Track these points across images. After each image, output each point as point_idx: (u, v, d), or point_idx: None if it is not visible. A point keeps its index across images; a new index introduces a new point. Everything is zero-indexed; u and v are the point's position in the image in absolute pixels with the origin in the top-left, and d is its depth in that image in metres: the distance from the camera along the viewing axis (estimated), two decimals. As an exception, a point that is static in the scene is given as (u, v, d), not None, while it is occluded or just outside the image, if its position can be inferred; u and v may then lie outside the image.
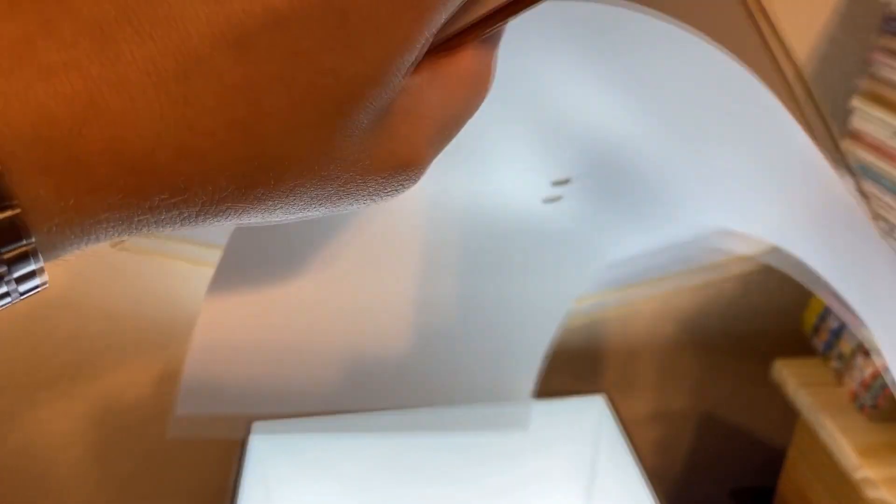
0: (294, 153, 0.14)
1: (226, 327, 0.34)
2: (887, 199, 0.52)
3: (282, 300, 0.35)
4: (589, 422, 0.63)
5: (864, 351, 0.56)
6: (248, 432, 0.54)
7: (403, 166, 0.16)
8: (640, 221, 0.41)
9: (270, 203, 0.15)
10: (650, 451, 0.84)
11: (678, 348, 0.76)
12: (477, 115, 0.18)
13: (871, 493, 0.50)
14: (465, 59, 0.17)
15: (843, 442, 0.52)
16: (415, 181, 0.17)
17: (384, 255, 0.37)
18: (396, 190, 0.17)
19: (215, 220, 0.15)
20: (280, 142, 0.14)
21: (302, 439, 0.57)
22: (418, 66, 0.16)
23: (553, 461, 0.64)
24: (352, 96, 0.14)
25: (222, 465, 0.72)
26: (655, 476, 0.54)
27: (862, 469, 0.50)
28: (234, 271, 0.33)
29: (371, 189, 0.16)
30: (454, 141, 0.18)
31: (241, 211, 0.15)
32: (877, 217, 0.52)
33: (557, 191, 0.37)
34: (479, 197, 0.36)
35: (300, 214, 0.16)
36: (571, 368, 0.76)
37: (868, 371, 0.55)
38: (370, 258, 0.36)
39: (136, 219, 0.13)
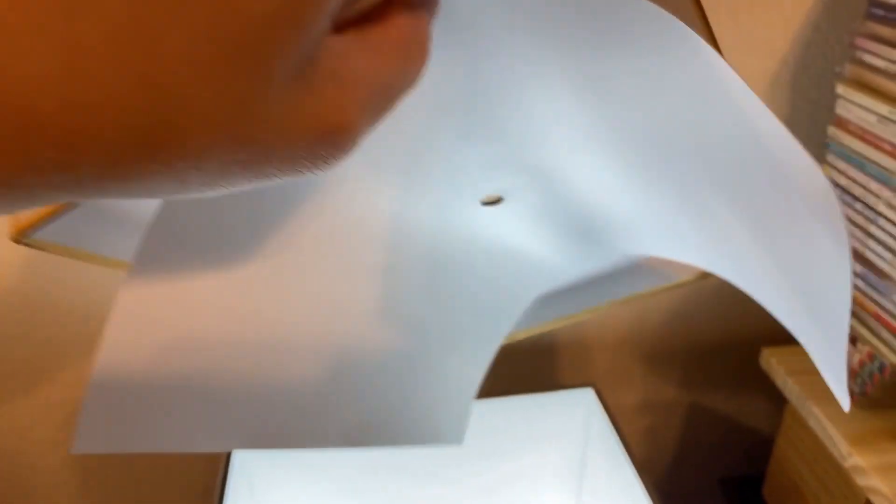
0: (200, 106, 0.13)
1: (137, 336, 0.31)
2: (873, 185, 0.52)
3: (195, 313, 0.32)
4: (578, 415, 0.63)
5: (850, 339, 0.56)
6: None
7: (332, 132, 0.15)
8: (574, 249, 0.39)
9: (180, 167, 0.13)
10: (639, 441, 0.84)
11: (665, 338, 0.76)
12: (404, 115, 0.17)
13: (861, 480, 0.50)
14: (396, 24, 0.16)
15: (833, 430, 0.52)
16: (345, 152, 0.16)
17: (307, 276, 0.33)
18: (326, 161, 0.15)
19: (123, 187, 0.13)
20: (181, 92, 0.12)
21: (256, 469, 0.55)
22: (345, 28, 0.15)
23: (543, 455, 0.63)
24: (263, 40, 0.13)
25: (208, 466, 0.71)
26: (644, 466, 0.54)
27: (852, 457, 0.50)
28: (149, 274, 0.30)
29: (297, 157, 0.15)
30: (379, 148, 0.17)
31: (147, 177, 0.13)
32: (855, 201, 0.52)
33: (488, 214, 0.35)
34: (407, 215, 0.34)
35: (222, 186, 0.15)
36: (559, 361, 0.76)
37: (856, 359, 0.55)
38: (291, 282, 0.33)
39: (21, 182, 0.12)
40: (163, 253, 0.30)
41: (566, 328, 0.74)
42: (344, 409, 0.36)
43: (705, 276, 0.39)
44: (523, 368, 0.75)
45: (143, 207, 0.32)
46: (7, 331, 0.61)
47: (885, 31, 0.52)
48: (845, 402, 0.30)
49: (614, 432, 0.57)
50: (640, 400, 0.81)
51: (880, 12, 0.52)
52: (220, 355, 0.32)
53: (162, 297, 0.30)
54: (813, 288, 0.28)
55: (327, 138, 0.15)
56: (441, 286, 0.37)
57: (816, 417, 0.55)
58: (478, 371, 0.40)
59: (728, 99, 0.23)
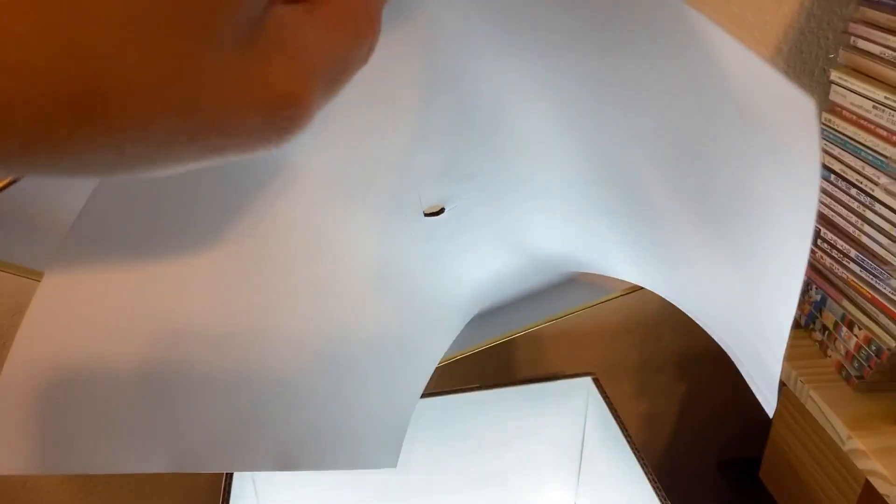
0: (135, 70, 0.12)
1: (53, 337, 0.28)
2: (868, 171, 0.52)
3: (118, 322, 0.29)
4: (577, 403, 0.63)
5: (847, 322, 0.57)
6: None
7: (282, 101, 0.14)
8: (513, 265, 0.38)
9: (117, 138, 0.12)
10: (637, 427, 0.84)
11: (661, 324, 0.76)
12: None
13: (861, 463, 0.50)
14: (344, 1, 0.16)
15: (831, 413, 0.53)
16: (298, 126, 0.15)
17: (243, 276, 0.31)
18: (279, 134, 0.15)
19: (55, 161, 0.12)
20: (115, 53, 0.11)
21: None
22: (294, 0, 0.15)
23: (543, 444, 0.64)
24: (208, 1, 0.12)
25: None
26: (643, 451, 0.54)
27: (852, 440, 0.51)
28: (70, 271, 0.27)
29: (247, 128, 0.14)
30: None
31: (82, 148, 0.12)
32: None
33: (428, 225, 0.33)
34: (351, 223, 0.32)
35: (169, 161, 0.14)
36: (557, 350, 0.76)
37: (852, 342, 0.56)
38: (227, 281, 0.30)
39: None
40: (78, 268, 0.27)
41: (561, 321, 0.74)
42: (276, 431, 0.34)
43: (635, 289, 0.39)
44: (521, 359, 0.76)
45: (52, 215, 0.30)
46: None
47: (879, 16, 0.52)
48: (770, 408, 0.30)
49: (613, 419, 0.58)
50: (638, 386, 0.81)
51: (874, -3, 0.52)
52: (142, 374, 0.30)
53: (77, 309, 0.28)
54: (758, 290, 0.27)
55: (279, 108, 0.14)
56: (381, 301, 0.35)
57: (814, 401, 0.55)
58: (413, 393, 0.38)
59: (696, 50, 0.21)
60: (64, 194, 0.30)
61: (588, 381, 0.63)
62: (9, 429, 0.28)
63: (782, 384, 0.64)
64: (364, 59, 0.17)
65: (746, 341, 0.31)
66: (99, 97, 0.12)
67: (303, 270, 0.32)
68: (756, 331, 0.29)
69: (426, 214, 0.33)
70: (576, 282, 0.42)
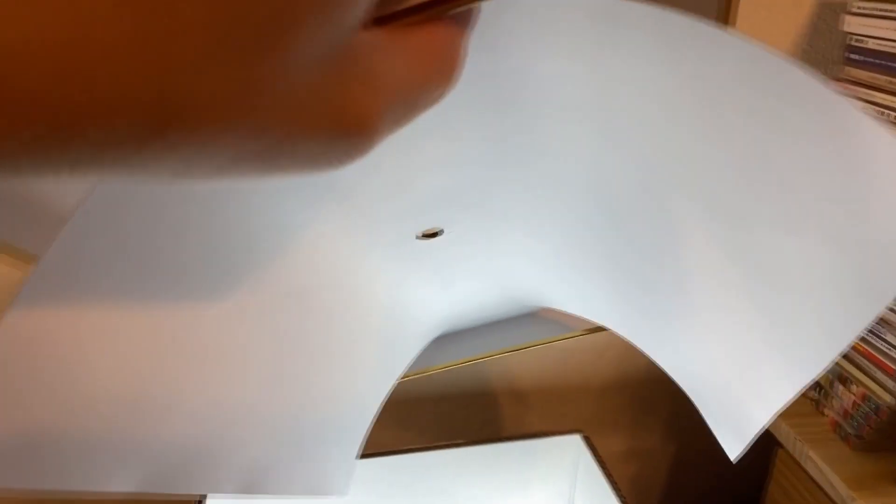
0: (215, 86, 0.12)
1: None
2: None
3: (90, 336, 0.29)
4: (566, 461, 0.61)
5: (842, 379, 0.56)
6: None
7: (352, 129, 0.14)
8: (486, 293, 0.38)
9: (187, 152, 0.12)
10: (626, 490, 0.81)
11: (651, 382, 0.75)
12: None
13: (865, 525, 0.48)
14: (434, 32, 0.15)
15: (832, 473, 0.51)
16: (361, 152, 0.15)
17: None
18: (340, 159, 0.14)
19: (121, 169, 0.12)
20: (197, 68, 0.11)
21: None
22: (382, 26, 0.14)
23: (531, 501, 0.61)
24: (287, 21, 0.12)
25: None
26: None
27: (855, 501, 0.49)
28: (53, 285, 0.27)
29: (312, 152, 0.14)
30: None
31: (150, 160, 0.12)
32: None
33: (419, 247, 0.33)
34: (342, 236, 0.32)
35: (231, 176, 0.13)
36: (545, 408, 0.74)
37: (849, 400, 0.55)
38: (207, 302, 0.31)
39: (5, 156, 0.11)
40: (59, 282, 0.27)
41: (548, 375, 0.72)
42: (239, 455, 0.34)
43: (596, 329, 0.39)
44: (507, 414, 0.73)
45: (52, 200, 0.30)
46: None
47: (862, 74, 0.53)
48: (734, 454, 0.31)
49: (602, 477, 0.55)
50: (627, 448, 0.79)
51: (857, 57, 0.54)
52: (109, 398, 0.30)
53: (51, 327, 0.27)
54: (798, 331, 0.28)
55: (346, 134, 0.14)
56: (353, 317, 0.35)
57: (813, 461, 0.53)
58: (366, 417, 0.38)
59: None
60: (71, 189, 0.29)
61: (577, 438, 0.61)
62: None
63: (775, 445, 0.63)
64: (437, 100, 0.16)
65: (728, 389, 0.31)
66: (176, 112, 0.11)
67: (289, 282, 0.32)
68: (751, 381, 0.29)
69: (420, 236, 0.33)
70: (538, 317, 0.42)
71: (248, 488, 0.35)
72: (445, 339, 0.41)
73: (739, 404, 0.30)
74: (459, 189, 0.31)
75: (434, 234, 0.33)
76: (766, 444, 0.64)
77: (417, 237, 0.33)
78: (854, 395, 0.54)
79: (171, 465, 0.32)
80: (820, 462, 0.52)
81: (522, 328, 0.43)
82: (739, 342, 0.30)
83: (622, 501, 0.53)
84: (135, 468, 0.31)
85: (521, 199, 0.32)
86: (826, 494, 0.53)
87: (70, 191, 0.29)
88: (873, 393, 0.52)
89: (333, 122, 0.14)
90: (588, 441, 0.60)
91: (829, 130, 0.21)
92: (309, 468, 0.37)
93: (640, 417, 0.77)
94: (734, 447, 0.31)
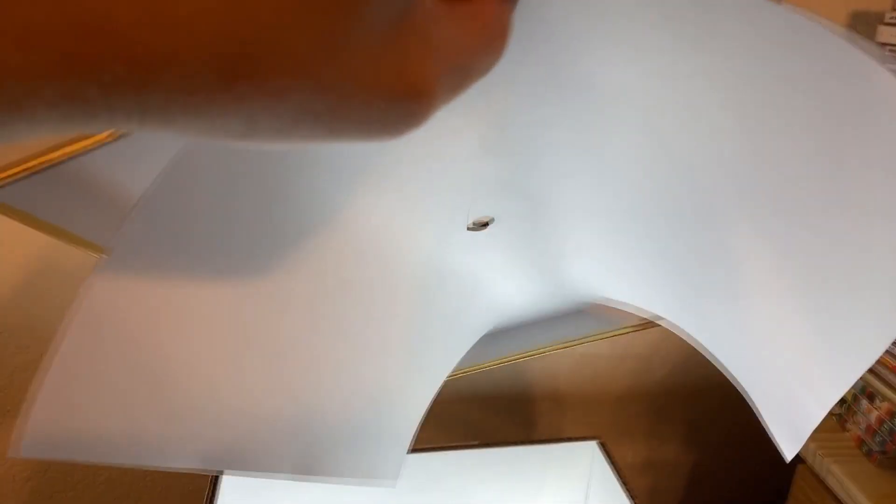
0: (287, 42, 0.12)
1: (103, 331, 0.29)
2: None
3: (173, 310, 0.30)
4: (581, 467, 0.60)
5: (867, 395, 0.55)
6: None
7: (411, 93, 0.14)
8: (539, 284, 0.38)
9: (254, 106, 0.12)
10: (641, 502, 0.80)
11: (669, 393, 0.74)
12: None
13: (888, 543, 0.47)
14: (485, 3, 0.16)
15: (855, 489, 0.50)
16: (419, 120, 0.15)
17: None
18: (397, 125, 0.15)
19: (189, 120, 0.12)
20: (272, 24, 0.12)
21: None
22: None
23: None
24: None
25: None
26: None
27: (877, 518, 0.48)
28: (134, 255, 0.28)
29: (371, 115, 0.14)
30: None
31: (218, 111, 0.12)
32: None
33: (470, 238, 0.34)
34: (399, 227, 0.33)
35: (289, 136, 0.14)
36: (561, 412, 0.73)
37: (874, 416, 0.53)
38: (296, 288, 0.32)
39: (84, 97, 0.11)
40: (141, 249, 0.28)
41: (570, 381, 0.71)
42: (296, 436, 0.35)
43: (646, 325, 0.39)
44: (522, 420, 0.73)
45: (121, 188, 0.30)
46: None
47: None
48: (790, 452, 0.31)
49: (619, 485, 0.55)
50: (644, 458, 0.78)
51: (892, 67, 0.53)
52: (184, 370, 0.31)
53: (131, 299, 0.28)
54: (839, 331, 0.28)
55: (406, 100, 0.14)
56: (406, 309, 0.36)
57: (835, 476, 0.52)
58: (420, 406, 0.38)
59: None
60: (135, 172, 0.30)
61: (594, 445, 0.60)
62: (57, 416, 0.29)
63: (795, 460, 0.61)
64: (488, 69, 0.17)
65: (784, 383, 0.30)
66: (249, 65, 0.12)
67: (347, 273, 0.33)
68: (806, 375, 0.28)
69: (471, 227, 0.33)
70: (587, 313, 0.41)
71: (304, 471, 0.36)
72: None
73: (796, 400, 0.30)
74: (511, 178, 0.31)
75: (485, 225, 0.33)
76: (783, 460, 0.62)
77: (469, 228, 0.33)
78: (879, 410, 0.52)
79: (233, 443, 0.33)
80: (843, 478, 0.51)
81: (569, 323, 0.42)
82: (794, 333, 0.29)
83: (637, 508, 0.52)
84: (201, 445, 0.32)
85: (574, 189, 0.32)
86: (848, 511, 0.52)
87: (136, 179, 0.29)
88: (899, 409, 0.51)
89: (393, 86, 0.14)
90: (604, 447, 0.59)
91: None
92: (362, 456, 0.37)
93: (657, 427, 0.76)
94: (790, 446, 0.30)
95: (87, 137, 0.25)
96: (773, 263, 0.28)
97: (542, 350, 0.41)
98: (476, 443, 0.58)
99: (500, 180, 0.31)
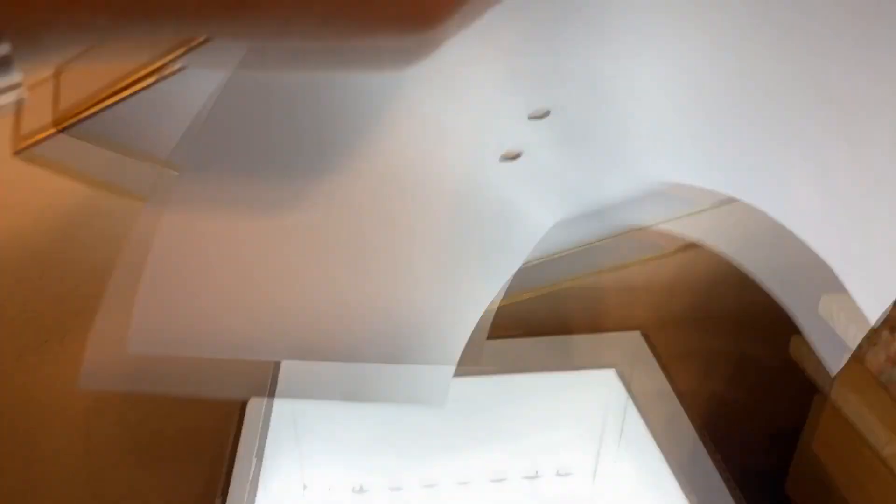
0: None
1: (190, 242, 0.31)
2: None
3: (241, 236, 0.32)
4: (599, 395, 0.61)
5: (889, 326, 0.54)
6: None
7: (421, 16, 0.14)
8: (608, 171, 0.38)
9: (262, 27, 0.13)
10: (657, 432, 0.81)
11: (689, 323, 0.74)
12: None
13: (902, 469, 0.48)
14: None
15: (871, 418, 0.50)
16: (431, 46, 0.15)
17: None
18: (408, 52, 0.15)
19: (196, 33, 0.13)
20: None
21: (301, 404, 0.54)
22: None
23: (563, 433, 0.61)
24: None
25: (218, 433, 0.69)
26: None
27: (892, 444, 0.48)
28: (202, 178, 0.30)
29: (381, 41, 0.14)
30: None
31: (228, 30, 0.13)
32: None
33: (526, 136, 0.34)
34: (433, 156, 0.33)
35: (297, 62, 0.14)
36: (579, 341, 0.74)
37: (894, 347, 0.53)
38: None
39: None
40: (208, 161, 0.29)
41: (584, 311, 0.71)
42: (347, 364, 0.37)
43: (686, 247, 0.38)
44: (565, 311, 0.73)
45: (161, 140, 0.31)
46: (15, 288, 0.60)
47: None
48: (836, 365, 0.31)
49: (639, 414, 0.55)
50: (660, 388, 0.79)
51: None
52: (269, 266, 0.33)
53: (201, 215, 0.30)
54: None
55: (416, 24, 0.14)
56: (454, 233, 0.36)
57: (852, 405, 0.52)
58: (466, 328, 0.39)
59: None
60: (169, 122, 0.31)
61: (611, 373, 0.60)
62: (152, 310, 0.31)
63: (812, 391, 0.62)
64: None
65: (866, 247, 0.29)
66: None
67: (394, 172, 0.33)
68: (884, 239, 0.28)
69: (531, 118, 0.33)
70: (665, 195, 0.40)
71: (354, 396, 0.38)
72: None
73: (879, 263, 0.29)
74: (565, 68, 0.31)
75: (544, 115, 0.33)
76: (802, 391, 0.63)
77: (529, 118, 0.33)
78: (901, 340, 0.52)
79: (320, 329, 0.35)
80: (859, 405, 0.51)
81: (648, 205, 0.41)
82: (887, 206, 0.28)
83: (656, 437, 0.53)
84: (286, 334, 0.34)
85: (635, 73, 0.31)
86: (864, 439, 0.52)
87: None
88: (922, 339, 0.50)
89: (404, 7, 0.14)
90: (621, 376, 0.60)
91: None
92: (410, 381, 0.39)
93: (674, 359, 0.77)
94: (875, 309, 0.29)
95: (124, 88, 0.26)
96: (844, 134, 0.27)
97: (607, 238, 0.40)
98: (490, 368, 0.58)
99: (551, 69, 0.31)
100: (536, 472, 0.63)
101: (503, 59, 0.30)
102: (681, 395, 0.52)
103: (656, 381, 0.56)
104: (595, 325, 0.73)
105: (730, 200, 0.36)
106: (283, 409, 0.54)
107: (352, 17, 0.13)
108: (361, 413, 0.57)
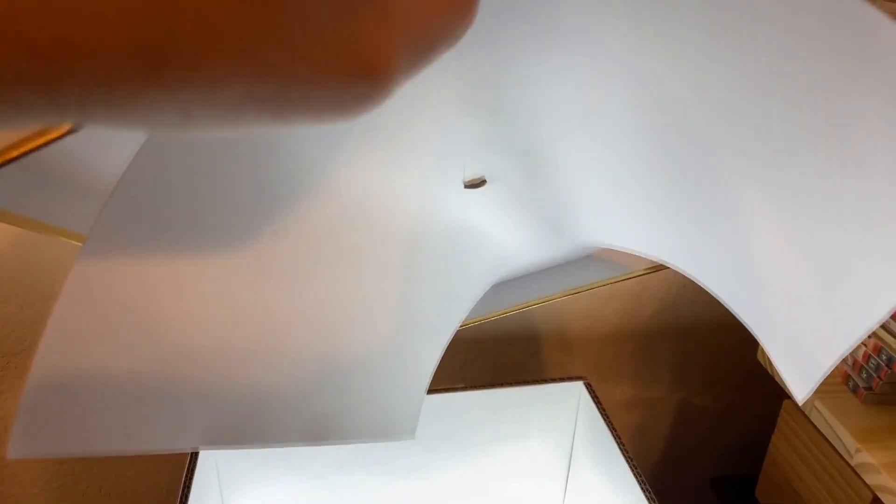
0: (217, 23, 0.11)
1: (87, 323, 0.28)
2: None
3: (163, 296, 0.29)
4: (568, 408, 0.60)
5: (854, 331, 0.54)
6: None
7: (364, 72, 0.13)
8: (540, 236, 0.38)
9: (185, 96, 0.11)
10: (628, 438, 0.81)
11: (657, 332, 0.73)
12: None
13: (870, 479, 0.47)
14: None
15: (839, 426, 0.50)
16: (376, 101, 0.13)
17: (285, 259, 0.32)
18: (352, 107, 0.13)
19: (113, 112, 0.11)
20: (202, 3, 0.10)
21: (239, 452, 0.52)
22: None
23: (532, 448, 0.60)
24: None
25: (174, 462, 0.67)
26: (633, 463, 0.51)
27: (860, 453, 0.47)
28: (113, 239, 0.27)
29: (322, 97, 0.13)
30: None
31: (145, 103, 0.11)
32: None
33: (463, 203, 0.33)
34: (390, 192, 0.32)
35: (233, 124, 0.12)
36: (547, 354, 0.73)
37: (860, 352, 0.53)
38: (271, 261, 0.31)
39: None
40: (121, 231, 0.27)
41: (552, 322, 0.71)
42: (304, 403, 0.34)
43: (656, 268, 0.38)
44: (509, 362, 0.72)
45: (97, 176, 0.29)
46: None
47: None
48: (801, 394, 0.29)
49: (606, 426, 0.54)
50: (630, 396, 0.78)
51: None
52: (177, 351, 0.30)
53: (115, 284, 0.28)
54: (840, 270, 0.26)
55: (359, 79, 0.13)
56: (409, 268, 0.35)
57: (820, 413, 0.52)
58: (431, 359, 0.38)
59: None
60: (106, 156, 0.29)
61: (580, 385, 0.59)
62: (39, 413, 0.28)
63: (781, 397, 0.61)
64: (456, 39, 0.15)
65: (790, 327, 0.29)
66: (174, 51, 0.10)
67: (339, 239, 0.32)
68: (811, 321, 0.28)
69: (467, 186, 0.32)
70: (595, 258, 0.41)
71: (317, 437, 0.35)
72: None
73: (803, 345, 0.29)
74: (501, 135, 0.30)
75: (482, 183, 0.32)
76: (772, 396, 0.62)
77: (466, 186, 0.32)
78: (866, 346, 0.52)
79: (238, 416, 0.32)
80: (827, 413, 0.51)
81: (576, 270, 0.41)
82: (797, 276, 0.28)
83: (623, 450, 0.52)
84: (202, 421, 0.31)
85: (571, 143, 0.31)
86: (831, 446, 0.52)
87: (110, 163, 0.28)
88: (887, 345, 0.50)
89: (344, 63, 0.12)
90: (589, 388, 0.59)
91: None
92: (375, 415, 0.37)
93: (645, 367, 0.76)
94: (801, 388, 0.29)
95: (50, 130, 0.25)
96: (770, 204, 0.27)
97: (549, 298, 0.40)
98: (460, 385, 0.57)
99: (488, 138, 0.30)
100: None
101: (440, 125, 0.29)
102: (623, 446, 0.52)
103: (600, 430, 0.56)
104: (562, 337, 0.72)
105: (664, 266, 0.36)
106: (207, 469, 0.51)
107: (278, 97, 0.12)
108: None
